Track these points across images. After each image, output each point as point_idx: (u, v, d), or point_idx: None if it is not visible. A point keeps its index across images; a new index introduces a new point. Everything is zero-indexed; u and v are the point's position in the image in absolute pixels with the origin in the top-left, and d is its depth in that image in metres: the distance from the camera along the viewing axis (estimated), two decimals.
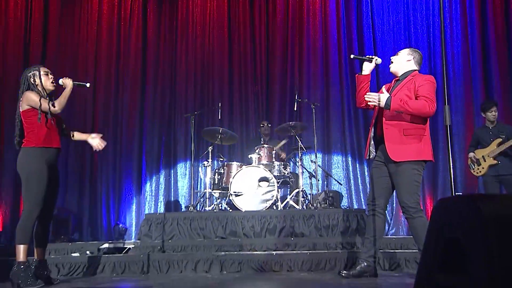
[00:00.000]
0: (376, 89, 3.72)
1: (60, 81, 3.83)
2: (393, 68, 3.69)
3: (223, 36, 7.87)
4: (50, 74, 3.85)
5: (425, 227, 3.41)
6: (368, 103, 3.57)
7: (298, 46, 7.77)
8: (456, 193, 2.71)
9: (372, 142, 3.68)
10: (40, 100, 3.62)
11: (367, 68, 3.73)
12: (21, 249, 3.51)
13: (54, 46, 7.66)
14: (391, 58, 3.73)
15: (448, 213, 1.13)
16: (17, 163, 3.65)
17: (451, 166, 2.66)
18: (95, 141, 4.01)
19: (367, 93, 3.58)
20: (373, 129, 3.68)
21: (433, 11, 7.48)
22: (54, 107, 3.66)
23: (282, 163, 6.12)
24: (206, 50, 7.88)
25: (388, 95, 3.48)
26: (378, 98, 3.47)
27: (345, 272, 3.73)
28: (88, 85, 4.00)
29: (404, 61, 3.64)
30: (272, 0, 7.94)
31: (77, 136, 4.09)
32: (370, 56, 3.74)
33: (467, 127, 7.01)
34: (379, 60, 3.74)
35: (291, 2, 7.86)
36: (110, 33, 7.83)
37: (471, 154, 5.44)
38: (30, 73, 3.76)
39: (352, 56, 3.84)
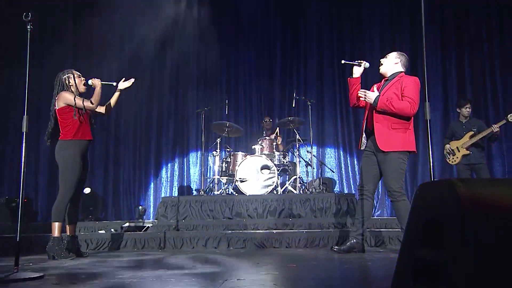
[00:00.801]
0: (366, 88, 3.70)
1: (90, 82, 3.83)
2: (382, 69, 3.68)
3: (231, 41, 7.84)
4: (82, 76, 3.86)
5: (407, 209, 3.42)
6: (360, 98, 3.58)
7: (296, 50, 7.75)
8: (434, 180, 2.70)
9: (364, 135, 3.68)
10: (74, 98, 3.65)
11: (357, 71, 3.71)
12: (56, 226, 3.54)
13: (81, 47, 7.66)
14: (380, 60, 3.71)
15: (429, 196, 1.14)
16: (55, 153, 3.68)
17: (431, 156, 2.65)
18: (124, 84, 3.97)
19: (360, 89, 3.59)
20: (365, 122, 3.68)
21: (414, 18, 7.43)
22: (92, 104, 3.70)
23: (282, 153, 6.12)
24: (215, 53, 7.85)
25: (377, 93, 3.50)
26: (368, 95, 3.49)
27: (336, 247, 3.74)
28: (115, 84, 3.98)
29: (392, 64, 3.63)
30: (273, 8, 7.89)
31: (112, 102, 4.01)
32: (359, 61, 3.72)
33: (444, 122, 6.99)
34: (367, 64, 3.72)
35: (291, 11, 7.81)
36: (131, 36, 7.81)
37: (447, 146, 5.43)
38: (65, 76, 3.77)
39: (342, 61, 3.78)
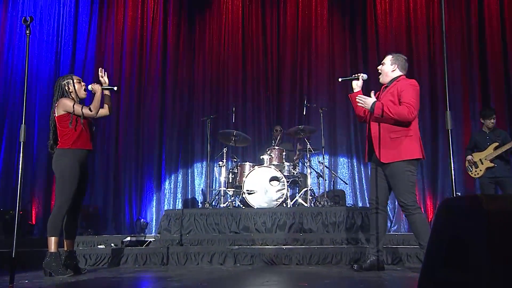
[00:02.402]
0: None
1: (90, 87, 3.86)
2: (382, 79, 3.68)
3: (237, 46, 7.87)
4: (82, 82, 3.89)
5: (423, 222, 3.40)
6: (358, 104, 3.57)
7: (306, 55, 7.77)
8: (456, 193, 2.67)
9: (368, 147, 3.68)
10: (73, 105, 3.67)
11: (357, 85, 3.72)
12: (52, 241, 3.54)
13: (83, 56, 7.75)
14: (377, 68, 3.71)
15: (452, 213, 1.12)
16: (52, 162, 3.69)
17: (452, 168, 2.62)
18: (102, 81, 3.91)
19: (359, 95, 3.58)
20: (368, 135, 3.68)
21: (433, 21, 7.39)
22: (91, 111, 3.71)
23: (292, 163, 6.10)
24: (221, 58, 7.89)
25: (374, 99, 3.49)
26: (366, 100, 3.49)
27: (356, 265, 3.70)
28: (115, 88, 4.00)
29: (389, 72, 3.62)
30: (283, 13, 7.93)
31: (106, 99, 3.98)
32: (357, 75, 3.73)
33: (464, 132, 6.91)
34: (365, 76, 3.72)
35: (301, 15, 7.85)
36: (133, 44, 7.87)
37: (469, 157, 5.37)
38: (64, 82, 3.79)
39: (340, 79, 3.82)
